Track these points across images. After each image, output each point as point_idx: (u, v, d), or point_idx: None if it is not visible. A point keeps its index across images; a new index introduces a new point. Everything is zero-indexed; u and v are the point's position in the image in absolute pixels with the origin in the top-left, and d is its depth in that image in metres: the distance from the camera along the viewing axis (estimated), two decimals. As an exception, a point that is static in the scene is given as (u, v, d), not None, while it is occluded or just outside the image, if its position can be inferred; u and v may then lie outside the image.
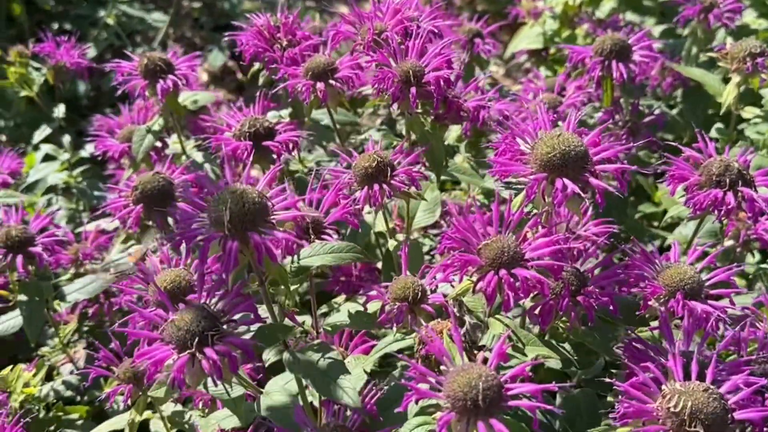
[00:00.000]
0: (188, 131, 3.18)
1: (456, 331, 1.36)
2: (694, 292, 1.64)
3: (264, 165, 2.19)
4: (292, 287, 1.89)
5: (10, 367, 2.12)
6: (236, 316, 1.48)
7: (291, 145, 2.19)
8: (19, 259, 2.18)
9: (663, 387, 1.40)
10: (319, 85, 2.09)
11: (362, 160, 1.85)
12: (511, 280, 1.39)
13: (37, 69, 3.02)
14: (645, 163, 2.67)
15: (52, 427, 2.20)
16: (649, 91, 3.02)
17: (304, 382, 1.73)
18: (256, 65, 2.48)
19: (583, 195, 1.43)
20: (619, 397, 1.39)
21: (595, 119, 2.61)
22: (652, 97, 3.03)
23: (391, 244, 2.00)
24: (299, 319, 1.85)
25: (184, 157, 2.54)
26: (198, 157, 2.54)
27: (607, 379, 1.47)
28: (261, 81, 2.43)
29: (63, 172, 3.10)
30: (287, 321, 1.67)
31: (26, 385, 2.11)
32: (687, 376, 1.42)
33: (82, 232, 2.74)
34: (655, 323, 1.71)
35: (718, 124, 2.51)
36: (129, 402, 1.86)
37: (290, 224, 1.54)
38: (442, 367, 1.34)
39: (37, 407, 2.19)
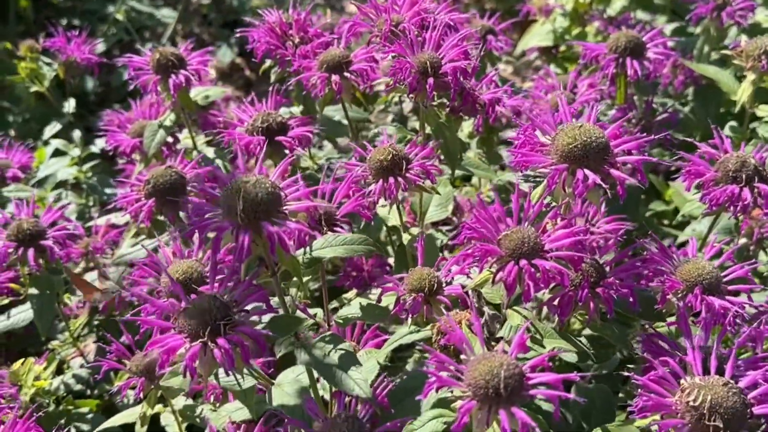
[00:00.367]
0: (198, 127, 3.17)
1: (477, 320, 1.35)
2: (713, 288, 1.63)
3: (276, 160, 2.18)
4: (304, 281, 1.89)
5: (21, 360, 2.11)
6: (248, 307, 1.47)
7: (303, 141, 2.19)
8: (31, 252, 2.17)
9: (682, 381, 1.39)
10: (334, 78, 2.09)
11: (377, 153, 1.84)
12: (532, 270, 1.38)
13: (48, 64, 3.01)
14: (661, 159, 2.66)
15: (62, 421, 2.19)
16: (660, 89, 3.01)
17: (315, 374, 1.72)
18: (268, 62, 2.48)
19: (604, 186, 1.42)
20: (638, 390, 1.38)
21: (609, 117, 2.60)
22: (663, 95, 3.02)
23: (405, 237, 1.99)
24: (310, 312, 1.84)
25: (195, 153, 2.53)
26: (209, 152, 2.54)
27: (625, 373, 1.45)
28: (273, 78, 2.43)
29: (73, 167, 3.09)
30: (299, 313, 1.66)
31: (37, 378, 2.10)
32: (706, 371, 1.41)
33: (92, 227, 2.74)
34: (671, 319, 1.70)
35: (732, 122, 2.50)
36: (141, 395, 1.85)
37: (303, 215, 1.54)
38: (462, 356, 1.33)
39: (47, 401, 2.19)
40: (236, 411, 1.76)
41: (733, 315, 1.58)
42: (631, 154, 1.51)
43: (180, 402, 2.00)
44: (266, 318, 1.51)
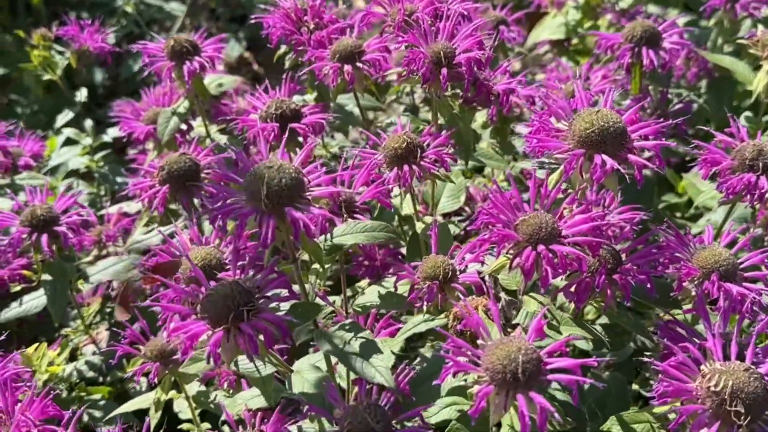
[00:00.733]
0: (209, 118, 3.17)
1: (494, 305, 1.35)
2: (729, 274, 1.63)
3: (290, 147, 2.18)
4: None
5: (35, 345, 2.12)
6: (269, 293, 1.47)
7: (317, 128, 2.18)
8: (44, 238, 2.18)
9: (702, 367, 1.38)
10: (347, 68, 2.08)
11: (392, 141, 1.84)
12: (550, 255, 1.38)
13: (60, 53, 3.02)
14: (673, 152, 2.65)
15: (74, 407, 2.19)
16: (673, 81, 3.00)
17: (333, 361, 1.72)
18: (282, 49, 2.47)
19: (622, 170, 1.41)
20: (658, 376, 1.37)
21: (623, 107, 2.58)
22: (676, 87, 3.01)
23: (419, 226, 1.98)
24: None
25: (208, 141, 2.53)
26: (222, 140, 2.54)
27: (645, 359, 1.45)
28: (287, 64, 2.43)
29: (84, 156, 3.10)
30: (318, 300, 1.66)
31: (50, 363, 2.10)
32: (726, 357, 1.41)
33: (104, 215, 2.74)
34: (686, 307, 1.70)
35: (747, 113, 2.49)
36: (156, 380, 1.85)
37: (325, 201, 1.53)
38: (479, 342, 1.33)
39: (60, 387, 2.19)
40: (253, 398, 1.76)
41: (750, 302, 1.57)
42: (648, 140, 1.50)
43: (193, 388, 2.01)
44: (285, 306, 1.51)
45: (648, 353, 1.74)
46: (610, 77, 2.66)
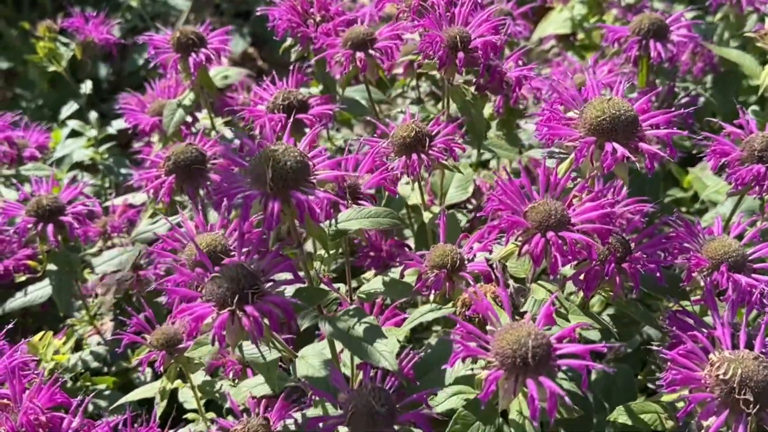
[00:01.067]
0: (214, 111, 3.17)
1: (503, 290, 1.35)
2: (739, 265, 1.62)
3: (297, 138, 2.16)
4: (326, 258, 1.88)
5: (40, 334, 2.11)
6: (274, 277, 1.47)
7: (324, 119, 2.18)
8: (50, 228, 2.17)
9: (711, 355, 1.38)
10: (359, 55, 2.09)
11: (400, 130, 1.84)
12: (560, 242, 1.37)
13: (65, 44, 3.01)
14: (679, 144, 2.65)
15: (79, 397, 2.19)
16: (679, 76, 2.99)
17: (338, 348, 1.72)
18: (288, 41, 2.47)
19: (633, 158, 1.41)
20: (667, 364, 1.37)
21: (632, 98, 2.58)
22: (681, 81, 3.01)
23: (426, 216, 1.98)
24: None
25: (213, 133, 2.53)
26: (227, 132, 2.54)
27: (653, 347, 1.44)
28: (293, 57, 2.42)
29: (89, 148, 3.09)
30: (323, 286, 1.66)
31: (56, 352, 2.10)
32: (735, 346, 1.40)
33: (109, 207, 2.74)
34: (694, 297, 1.69)
35: (754, 107, 2.48)
36: (162, 369, 1.85)
37: (331, 185, 1.53)
38: (488, 327, 1.32)
39: (65, 377, 2.19)
40: (257, 386, 1.76)
41: (759, 293, 1.57)
42: (659, 129, 1.50)
43: (199, 378, 2.00)
44: (290, 291, 1.50)
45: (655, 342, 1.74)
46: (615, 71, 2.65)
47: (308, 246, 2.29)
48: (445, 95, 1.97)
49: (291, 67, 2.31)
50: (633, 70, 2.53)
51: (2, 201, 2.28)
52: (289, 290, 1.49)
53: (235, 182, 1.40)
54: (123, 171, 3.05)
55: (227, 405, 1.99)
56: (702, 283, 1.64)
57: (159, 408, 1.83)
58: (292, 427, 1.66)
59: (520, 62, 2.07)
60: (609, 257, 1.51)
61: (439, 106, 2.50)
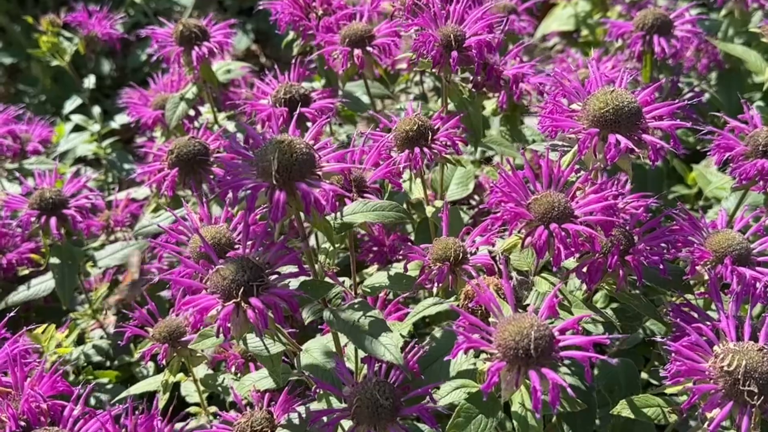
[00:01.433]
0: (217, 104, 3.17)
1: (507, 283, 1.34)
2: (743, 259, 1.62)
3: (300, 131, 2.17)
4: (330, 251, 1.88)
5: (44, 326, 2.11)
6: (279, 269, 1.46)
7: (326, 113, 2.18)
8: (53, 220, 2.17)
9: (715, 347, 1.37)
10: (357, 52, 2.08)
11: (403, 124, 1.83)
12: (563, 233, 1.37)
13: (69, 39, 3.01)
14: (683, 141, 2.64)
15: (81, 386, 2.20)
16: (683, 73, 2.99)
17: (342, 342, 1.71)
18: (290, 35, 2.47)
19: (637, 150, 1.40)
20: (671, 356, 1.37)
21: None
22: (685, 77, 3.00)
23: (429, 210, 1.97)
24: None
25: (216, 127, 2.53)
26: (230, 126, 2.54)
27: (657, 339, 1.44)
28: (295, 50, 2.42)
29: (92, 143, 3.10)
30: (328, 279, 1.65)
31: (59, 345, 2.10)
32: (739, 338, 1.40)
33: (112, 201, 2.74)
34: (699, 291, 1.69)
35: (759, 102, 2.48)
36: (164, 362, 1.85)
37: (337, 177, 1.53)
38: (491, 319, 1.32)
39: (67, 368, 2.19)
40: (261, 380, 1.76)
41: (763, 285, 1.56)
42: (663, 120, 1.49)
43: (201, 371, 2.00)
44: (294, 284, 1.50)
45: (658, 337, 1.73)
46: (618, 68, 2.64)
47: (312, 240, 2.29)
48: (443, 92, 1.96)
49: (293, 62, 2.31)
50: (636, 66, 2.53)
51: (5, 194, 2.28)
52: (294, 283, 1.49)
53: (241, 174, 1.40)
54: (126, 166, 3.04)
55: (230, 399, 2.00)
56: (706, 277, 1.64)
57: (161, 401, 1.83)
58: (296, 421, 1.66)
59: (519, 59, 2.05)
60: (612, 249, 1.51)
61: (440, 102, 2.50)
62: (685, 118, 2.55)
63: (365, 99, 2.46)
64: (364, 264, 2.36)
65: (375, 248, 2.35)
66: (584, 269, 1.53)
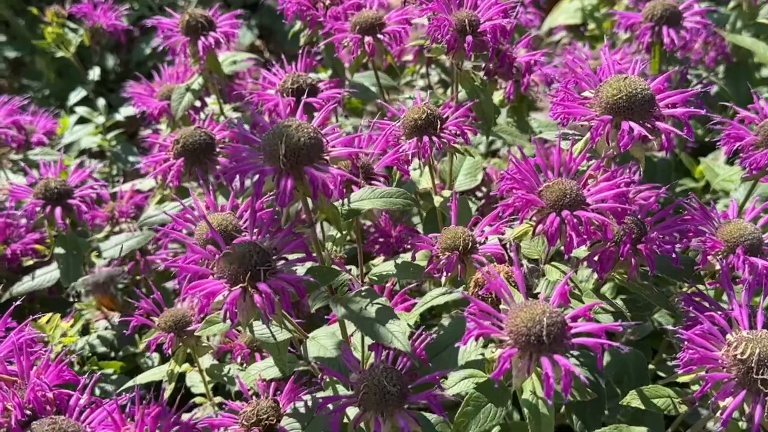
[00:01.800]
0: (223, 96, 3.16)
1: (518, 269, 1.33)
2: (755, 249, 1.61)
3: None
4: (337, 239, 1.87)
5: (48, 316, 2.10)
6: (286, 255, 1.45)
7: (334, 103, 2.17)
8: (58, 210, 2.17)
9: (728, 335, 1.36)
10: (368, 39, 2.07)
11: (412, 112, 1.82)
12: (575, 221, 1.35)
13: (74, 30, 3.00)
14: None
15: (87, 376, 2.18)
16: (691, 65, 2.97)
17: (348, 330, 1.70)
18: (297, 25, 2.46)
19: (650, 137, 1.39)
20: (684, 344, 1.35)
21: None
22: (694, 70, 2.99)
23: (437, 200, 1.96)
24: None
25: (222, 118, 2.51)
26: (236, 117, 2.52)
27: (669, 327, 1.42)
28: (302, 40, 2.41)
29: (97, 135, 3.08)
30: (335, 266, 1.64)
31: (64, 334, 2.09)
32: (752, 327, 1.38)
33: (117, 193, 2.73)
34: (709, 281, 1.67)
35: (767, 94, 2.46)
36: (170, 351, 1.84)
37: (345, 162, 1.51)
38: (501, 306, 1.31)
39: (72, 359, 2.18)
40: (266, 369, 1.75)
41: (776, 275, 1.55)
42: (676, 107, 1.48)
43: (207, 361, 1.99)
44: (301, 270, 1.49)
45: (671, 327, 1.72)
46: (627, 60, 2.62)
47: (318, 229, 2.28)
48: (455, 81, 1.94)
49: (300, 52, 2.30)
50: (645, 58, 2.51)
51: (9, 184, 2.27)
52: (301, 269, 1.48)
53: (248, 159, 1.38)
54: (131, 158, 3.03)
55: (235, 389, 1.98)
56: (717, 267, 1.62)
57: (168, 391, 1.82)
58: (302, 410, 1.65)
59: (530, 47, 2.04)
60: (624, 238, 1.49)
61: (449, 92, 2.48)
62: (698, 107, 2.56)
63: (374, 87, 2.45)
64: (371, 255, 2.35)
65: (381, 239, 2.34)
66: (596, 258, 1.52)
